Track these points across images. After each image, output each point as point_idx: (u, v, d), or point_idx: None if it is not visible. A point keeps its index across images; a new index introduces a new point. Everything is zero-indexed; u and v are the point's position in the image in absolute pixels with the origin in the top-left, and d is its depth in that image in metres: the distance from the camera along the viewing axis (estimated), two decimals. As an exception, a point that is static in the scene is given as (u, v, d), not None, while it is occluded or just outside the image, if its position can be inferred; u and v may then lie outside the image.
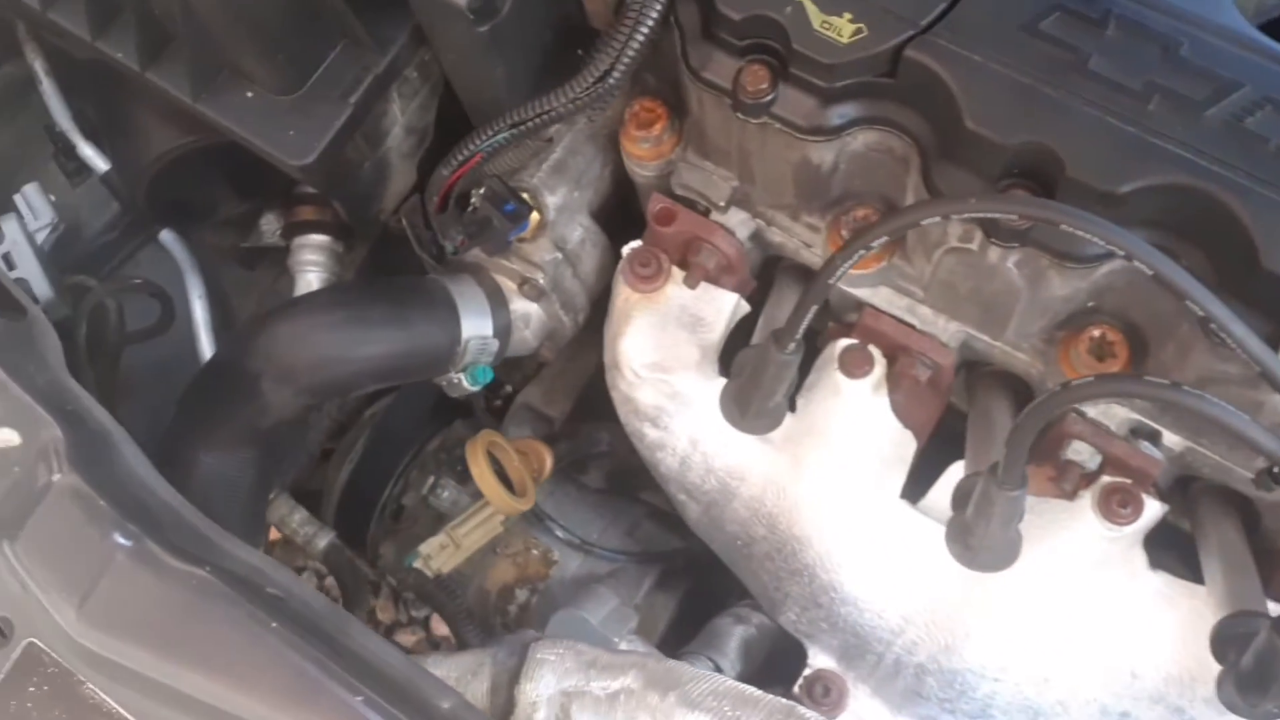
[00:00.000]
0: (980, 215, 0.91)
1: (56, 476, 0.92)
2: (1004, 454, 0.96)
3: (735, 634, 1.45)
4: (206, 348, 1.47)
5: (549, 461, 1.40)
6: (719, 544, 1.32)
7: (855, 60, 0.96)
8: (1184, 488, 1.20)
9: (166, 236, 1.52)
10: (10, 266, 1.35)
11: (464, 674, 1.12)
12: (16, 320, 1.04)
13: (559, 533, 1.56)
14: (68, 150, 1.49)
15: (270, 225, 1.50)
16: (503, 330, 1.27)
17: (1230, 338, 0.82)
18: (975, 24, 0.94)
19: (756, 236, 1.24)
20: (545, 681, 1.02)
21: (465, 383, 1.27)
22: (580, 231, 1.29)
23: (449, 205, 1.14)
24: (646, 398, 1.22)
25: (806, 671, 1.28)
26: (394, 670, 0.88)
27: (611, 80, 1.00)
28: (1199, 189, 0.89)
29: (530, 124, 1.06)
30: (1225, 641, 1.02)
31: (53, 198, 1.45)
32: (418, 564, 1.51)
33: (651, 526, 1.64)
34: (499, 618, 1.59)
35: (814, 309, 0.98)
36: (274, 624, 0.86)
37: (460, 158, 1.09)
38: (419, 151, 1.34)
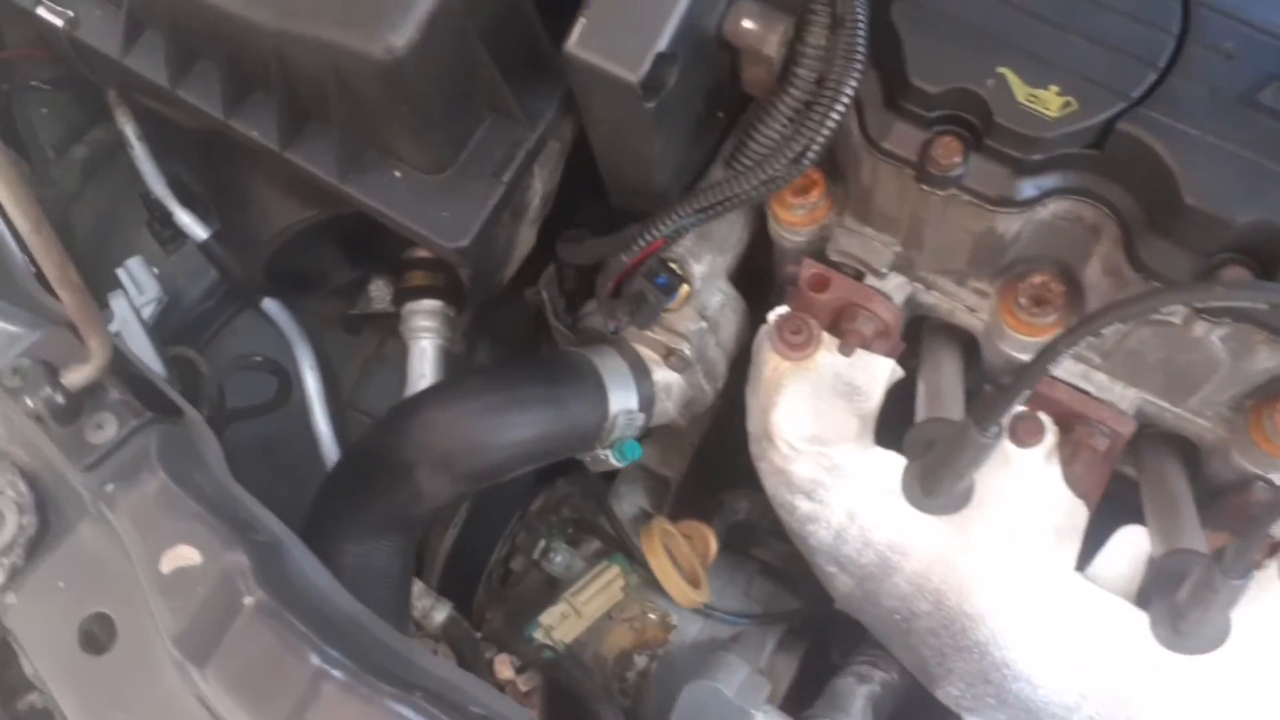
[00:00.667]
0: (1229, 304, 0.87)
1: (247, 599, 0.87)
2: (1237, 544, 0.92)
3: (860, 694, 1.41)
4: (321, 421, 1.42)
5: (714, 545, 1.35)
6: (871, 617, 1.28)
7: (1063, 135, 0.92)
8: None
9: (270, 304, 1.46)
10: (121, 347, 1.30)
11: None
12: (174, 423, 0.99)
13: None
14: (163, 218, 1.43)
15: (380, 291, 1.45)
16: (647, 402, 1.23)
17: None
18: (1189, 96, 0.91)
19: (909, 299, 1.20)
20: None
21: (613, 459, 1.23)
22: (720, 297, 1.25)
23: (621, 290, 1.09)
24: (803, 471, 1.18)
25: (968, 745, 1.24)
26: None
27: (807, 160, 0.95)
28: None
29: (719, 208, 1.01)
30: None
31: (156, 270, 1.39)
32: (538, 635, 1.46)
33: (766, 584, 1.60)
34: (617, 684, 1.54)
35: (1026, 394, 0.93)
36: (495, 754, 0.81)
37: (642, 243, 1.04)
38: (543, 216, 1.30)
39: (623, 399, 1.20)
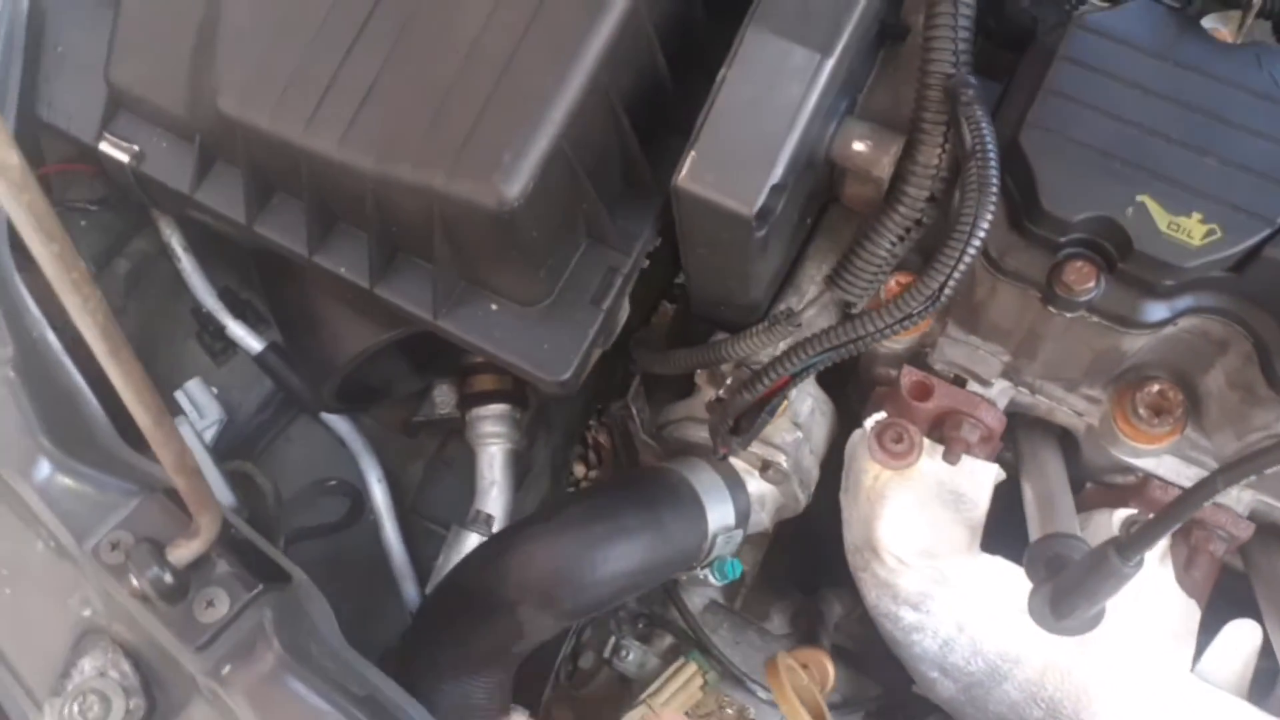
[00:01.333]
0: None
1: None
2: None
3: (945, 777, 1.38)
4: (391, 536, 1.38)
5: (831, 671, 1.32)
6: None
7: (1206, 262, 0.89)
8: None
9: (330, 415, 1.41)
10: (188, 477, 1.24)
11: None
12: (283, 589, 0.94)
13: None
14: (215, 330, 1.38)
15: (444, 396, 1.41)
16: (743, 516, 1.19)
17: None
18: (1336, 218, 0.88)
19: (1012, 401, 1.17)
20: None
21: (713, 578, 1.19)
22: (810, 402, 1.22)
23: (740, 426, 1.05)
24: (911, 584, 1.15)
25: None
26: None
27: (944, 297, 0.92)
28: None
29: (851, 346, 0.98)
30: None
31: (215, 389, 1.34)
32: (618, 739, 1.42)
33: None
34: (696, 783, 1.50)
35: (1176, 526, 0.90)
36: None
37: (767, 382, 1.00)
38: (619, 321, 1.26)
39: (720, 515, 1.16)
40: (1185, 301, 0.95)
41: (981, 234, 0.89)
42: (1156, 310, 0.95)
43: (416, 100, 0.92)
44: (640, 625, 1.56)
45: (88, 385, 1.01)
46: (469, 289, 1.03)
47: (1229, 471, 0.86)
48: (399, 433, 1.47)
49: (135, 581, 0.88)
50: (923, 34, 0.98)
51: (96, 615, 0.94)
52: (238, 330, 1.36)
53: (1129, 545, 0.94)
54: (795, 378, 1.00)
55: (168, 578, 0.88)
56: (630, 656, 1.52)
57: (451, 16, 0.92)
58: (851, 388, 1.32)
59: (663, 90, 1.01)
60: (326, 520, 1.38)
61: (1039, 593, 1.05)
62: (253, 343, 1.36)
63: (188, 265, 1.36)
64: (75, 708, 0.90)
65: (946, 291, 0.91)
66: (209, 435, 1.31)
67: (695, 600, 1.58)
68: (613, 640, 1.53)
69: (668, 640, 1.54)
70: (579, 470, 1.90)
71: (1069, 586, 1.01)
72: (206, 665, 0.89)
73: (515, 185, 0.88)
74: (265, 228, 1.06)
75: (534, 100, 0.89)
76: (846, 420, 1.28)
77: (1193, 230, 0.89)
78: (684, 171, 0.94)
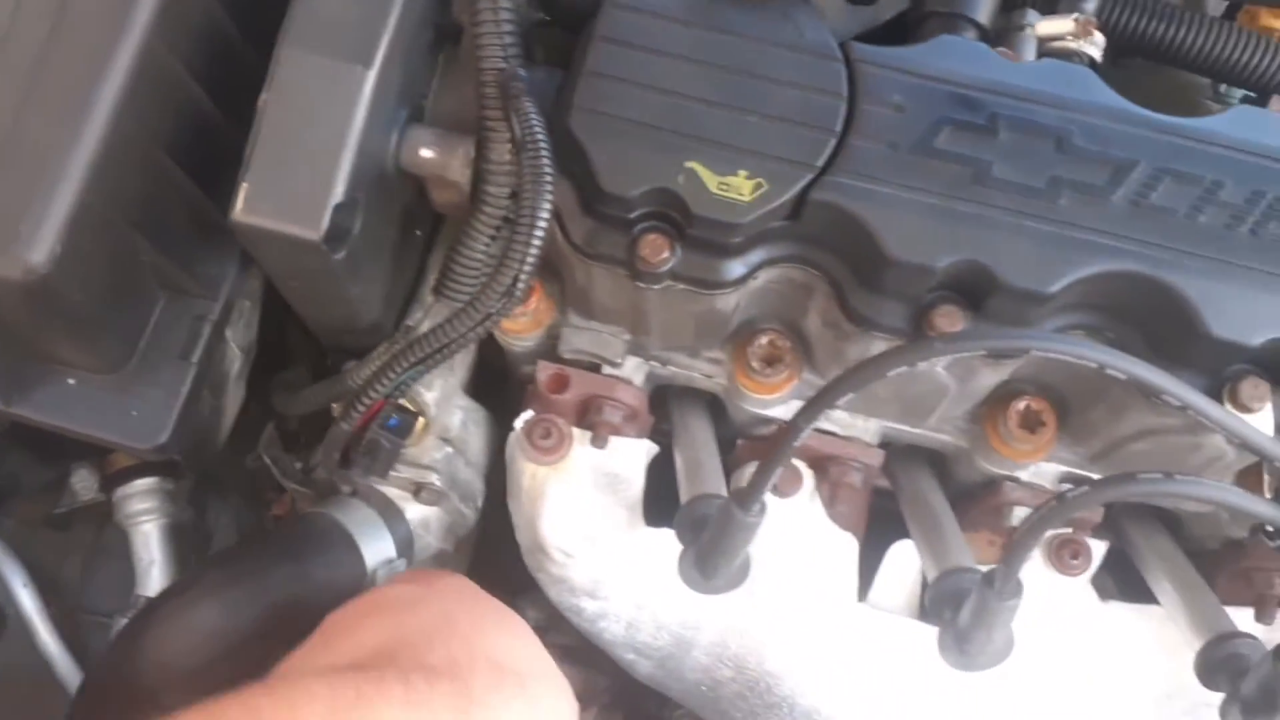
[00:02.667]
0: (956, 356, 0.89)
1: None
2: (1002, 567, 0.95)
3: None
4: (48, 642, 1.27)
5: None
6: (678, 691, 1.26)
7: (760, 215, 0.92)
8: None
9: (-42, 526, 1.30)
10: None
11: None
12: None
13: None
14: None
15: (84, 481, 1.31)
16: (405, 544, 1.16)
17: (1207, 420, 0.84)
18: (870, 155, 0.92)
19: (649, 374, 1.18)
20: None
21: (382, 614, 1.15)
22: (460, 415, 1.20)
23: (350, 457, 1.01)
24: (582, 574, 1.15)
25: (801, 795, 1.24)
26: None
27: (518, 292, 0.91)
28: (1126, 272, 0.91)
29: (438, 355, 0.96)
30: (1214, 667, 1.05)
31: None
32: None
33: (569, 669, 1.56)
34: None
35: (779, 471, 0.93)
36: None
37: (361, 408, 0.97)
38: (248, 368, 1.20)
39: (378, 550, 1.12)
40: (758, 255, 0.97)
41: (542, 224, 0.89)
42: (733, 268, 0.97)
43: (-79, 180, 0.84)
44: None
45: None
46: (39, 368, 0.96)
47: (806, 412, 0.89)
48: (46, 527, 1.36)
49: None
50: (470, 32, 0.98)
51: None
52: None
53: (745, 496, 0.97)
54: (390, 398, 0.97)
55: None
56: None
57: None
58: (509, 390, 1.31)
59: (214, 127, 0.97)
60: (-31, 640, 1.26)
61: (686, 557, 1.07)
62: None
63: None
64: None
65: (520, 285, 0.90)
66: None
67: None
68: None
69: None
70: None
71: (707, 547, 1.03)
72: None
73: (39, 252, 0.81)
74: None
75: (44, 162, 0.82)
76: (510, 425, 1.27)
77: (742, 187, 0.91)
78: (239, 205, 0.89)
